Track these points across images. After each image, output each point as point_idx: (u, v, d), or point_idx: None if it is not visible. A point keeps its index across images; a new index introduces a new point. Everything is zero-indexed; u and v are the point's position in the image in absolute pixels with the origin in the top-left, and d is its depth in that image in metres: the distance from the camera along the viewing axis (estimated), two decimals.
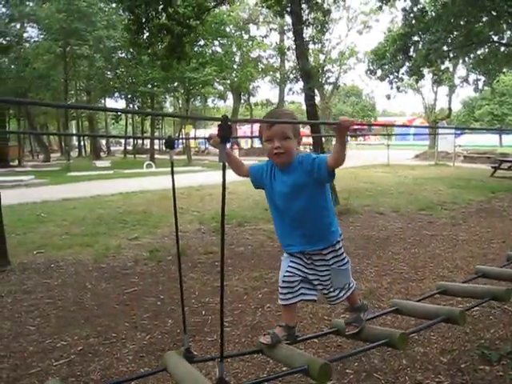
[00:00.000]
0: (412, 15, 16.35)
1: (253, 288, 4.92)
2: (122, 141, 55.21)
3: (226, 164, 1.58)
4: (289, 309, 2.28)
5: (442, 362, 3.27)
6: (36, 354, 3.57)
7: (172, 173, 1.99)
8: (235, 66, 32.33)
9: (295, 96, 37.92)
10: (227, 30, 30.69)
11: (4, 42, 24.78)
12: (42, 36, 29.61)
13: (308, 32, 13.36)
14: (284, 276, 2.23)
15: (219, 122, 1.45)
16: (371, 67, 20.21)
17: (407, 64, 18.18)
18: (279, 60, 36.42)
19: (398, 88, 21.11)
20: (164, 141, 1.99)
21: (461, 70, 33.33)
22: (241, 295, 4.73)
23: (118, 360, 3.42)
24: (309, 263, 2.27)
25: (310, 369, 1.90)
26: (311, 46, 18.58)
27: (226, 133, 1.44)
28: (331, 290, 2.31)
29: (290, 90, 31.84)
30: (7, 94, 25.71)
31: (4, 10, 25.84)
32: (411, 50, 17.78)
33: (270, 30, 34.46)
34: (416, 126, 24.91)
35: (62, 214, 9.70)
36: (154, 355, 3.46)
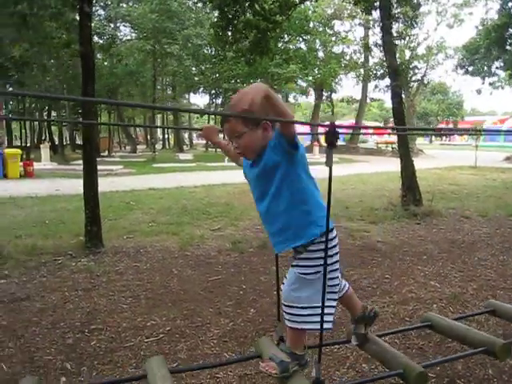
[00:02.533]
0: (511, 3, 15.34)
1: None
2: None
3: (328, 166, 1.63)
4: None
5: None
6: (129, 330, 3.85)
7: None
8: (318, 62, 32.12)
9: (380, 93, 36.97)
10: (311, 25, 30.58)
11: (100, 41, 26.41)
12: (133, 35, 31.25)
13: (395, 27, 13.03)
14: None
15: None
16: (462, 63, 19.27)
17: (502, 58, 17.11)
18: (363, 56, 35.75)
19: (491, 84, 19.90)
20: None
21: None
22: None
23: (203, 342, 3.61)
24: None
25: (405, 374, 1.90)
26: (398, 42, 18.06)
27: (334, 139, 1.50)
28: (283, 301, 1.91)
29: (376, 87, 31.03)
30: (100, 89, 27.42)
31: (102, 12, 27.56)
32: (507, 42, 16.70)
33: (355, 25, 33.94)
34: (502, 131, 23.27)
35: (148, 202, 10.25)
36: (236, 341, 3.61)
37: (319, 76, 31.73)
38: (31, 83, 23.18)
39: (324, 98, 40.39)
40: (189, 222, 8.09)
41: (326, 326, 1.85)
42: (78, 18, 9.61)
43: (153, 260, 5.92)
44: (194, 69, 34.80)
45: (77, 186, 12.67)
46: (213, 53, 30.54)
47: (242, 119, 1.81)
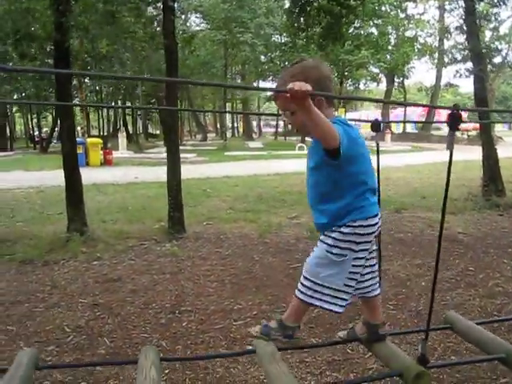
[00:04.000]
0: None
1: (415, 275, 4.88)
2: (274, 122, 56.87)
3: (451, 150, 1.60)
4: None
5: None
6: (217, 313, 4.03)
7: (378, 155, 2.08)
8: (390, 47, 31.17)
9: (456, 79, 35.15)
10: (383, 9, 29.62)
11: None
12: (203, 25, 31.77)
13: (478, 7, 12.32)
14: None
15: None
16: None
17: None
18: (437, 39, 34.25)
19: None
20: (370, 124, 2.05)
21: None
22: (404, 281, 4.73)
23: None
24: None
25: (508, 359, 1.86)
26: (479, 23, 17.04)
27: (457, 121, 1.50)
28: (303, 271, 1.86)
29: (457, 72, 29.35)
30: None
31: (175, 4, 28.25)
32: None
33: (429, 6, 32.52)
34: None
35: (224, 190, 10.51)
36: (323, 327, 3.67)
37: (391, 61, 30.78)
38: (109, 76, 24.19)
39: (396, 84, 39.22)
40: (265, 210, 8.22)
41: (336, 309, 1.79)
42: (153, 12, 10.02)
43: (233, 246, 6.10)
44: (263, 57, 34.90)
45: (153, 173, 13.27)
46: (283, 40, 30.48)
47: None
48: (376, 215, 1.82)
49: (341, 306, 1.80)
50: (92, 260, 5.65)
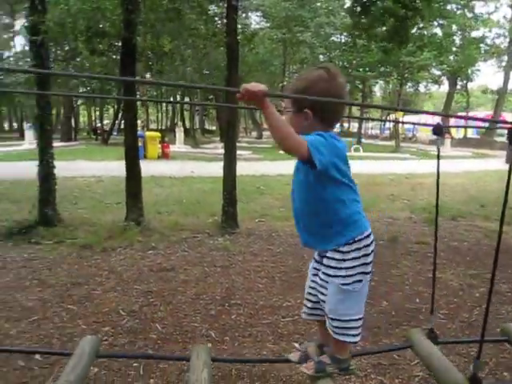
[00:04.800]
0: None
1: (469, 285, 4.76)
2: None
3: None
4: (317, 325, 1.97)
5: None
6: (265, 309, 4.10)
7: (438, 159, 2.06)
8: (455, 49, 30.11)
9: None
10: (448, 8, 28.63)
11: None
12: (262, 23, 31.91)
13: None
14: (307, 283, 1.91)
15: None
16: None
17: None
18: (508, 40, 32.80)
19: None
20: (432, 128, 2.00)
21: None
22: (456, 290, 4.62)
23: None
24: (318, 268, 1.83)
25: None
26: None
27: None
28: (327, 313, 1.75)
29: None
30: None
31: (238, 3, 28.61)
32: None
33: (501, 5, 31.19)
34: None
35: (278, 188, 10.56)
36: (370, 331, 3.65)
37: (455, 63, 29.74)
38: (171, 71, 24.80)
39: (459, 87, 37.89)
40: None
41: (356, 339, 1.73)
42: (215, 10, 10.21)
43: (285, 244, 6.16)
44: (321, 56, 34.66)
45: (208, 168, 13.52)
46: (343, 40, 30.17)
47: (294, 98, 1.66)
48: (370, 233, 1.75)
49: (359, 334, 1.74)
50: (147, 249, 5.87)
